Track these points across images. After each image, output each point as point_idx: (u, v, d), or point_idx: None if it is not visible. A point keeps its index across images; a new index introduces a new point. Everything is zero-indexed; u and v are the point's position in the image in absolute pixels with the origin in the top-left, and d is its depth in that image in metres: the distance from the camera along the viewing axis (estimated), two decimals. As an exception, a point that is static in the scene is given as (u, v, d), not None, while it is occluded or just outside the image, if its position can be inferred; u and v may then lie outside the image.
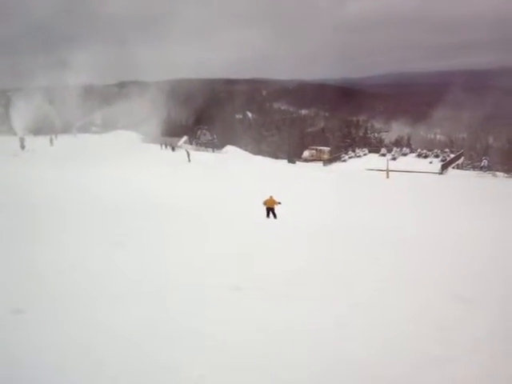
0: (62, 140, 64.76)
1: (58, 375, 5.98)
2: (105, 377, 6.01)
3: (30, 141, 55.86)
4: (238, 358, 6.60)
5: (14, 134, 62.43)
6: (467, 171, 68.10)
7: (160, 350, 6.78)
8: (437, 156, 70.36)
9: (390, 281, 10.63)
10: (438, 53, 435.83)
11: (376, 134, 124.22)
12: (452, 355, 6.93)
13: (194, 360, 6.51)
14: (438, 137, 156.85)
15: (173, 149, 67.14)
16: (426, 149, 77.46)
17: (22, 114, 64.38)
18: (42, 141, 60.00)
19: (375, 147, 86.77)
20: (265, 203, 23.18)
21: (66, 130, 74.40)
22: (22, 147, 52.93)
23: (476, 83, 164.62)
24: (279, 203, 22.65)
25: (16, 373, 5.97)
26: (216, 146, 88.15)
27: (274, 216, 22.70)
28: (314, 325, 7.88)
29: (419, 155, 72.44)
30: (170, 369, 6.23)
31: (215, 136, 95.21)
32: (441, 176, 58.43)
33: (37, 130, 65.00)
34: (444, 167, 62.93)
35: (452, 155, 71.06)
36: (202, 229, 17.79)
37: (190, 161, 53.88)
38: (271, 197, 22.75)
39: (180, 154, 60.64)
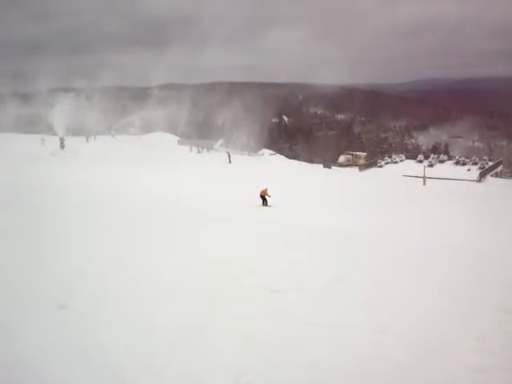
0: (101, 141, 65.90)
1: (101, 368, 6.14)
2: (150, 372, 6.14)
3: (70, 141, 56.99)
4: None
5: (55, 133, 63.59)
6: (506, 179, 66.58)
7: (205, 349, 6.88)
8: (475, 163, 68.97)
9: (430, 289, 10.52)
10: (480, 60, 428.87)
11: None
12: (491, 364, 6.86)
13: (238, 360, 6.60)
14: (476, 144, 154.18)
15: (208, 151, 67.81)
16: (463, 156, 76.07)
17: (63, 114, 65.53)
18: (81, 141, 61.18)
19: (412, 153, 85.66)
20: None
21: (104, 131, 75.71)
22: (62, 147, 54.11)
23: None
24: (269, 196, 27.14)
25: (60, 364, 6.13)
26: (252, 149, 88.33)
27: (265, 203, 26.95)
28: (354, 332, 7.89)
29: (457, 162, 71.05)
30: (214, 368, 6.32)
31: (251, 139, 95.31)
32: (479, 184, 57.32)
33: (76, 131, 66.22)
34: (482, 175, 61.65)
35: (490, 163, 69.56)
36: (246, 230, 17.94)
37: (230, 162, 54.85)
38: (266, 189, 27.32)
39: (217, 156, 61.05)
